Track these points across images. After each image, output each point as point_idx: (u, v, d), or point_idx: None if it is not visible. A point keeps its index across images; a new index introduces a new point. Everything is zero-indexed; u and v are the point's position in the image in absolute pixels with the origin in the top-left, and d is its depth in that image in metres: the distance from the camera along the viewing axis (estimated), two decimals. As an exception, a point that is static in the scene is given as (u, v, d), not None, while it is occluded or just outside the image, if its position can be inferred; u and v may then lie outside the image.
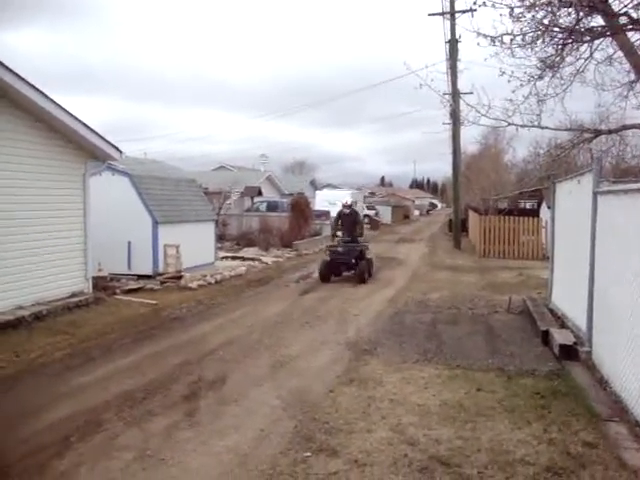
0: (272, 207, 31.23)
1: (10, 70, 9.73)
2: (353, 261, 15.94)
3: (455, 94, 22.75)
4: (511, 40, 7.76)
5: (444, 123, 29.61)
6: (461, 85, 24.75)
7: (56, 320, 10.32)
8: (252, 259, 20.08)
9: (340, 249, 16.12)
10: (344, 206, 16.80)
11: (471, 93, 8.96)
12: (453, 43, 25.60)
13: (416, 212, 75.99)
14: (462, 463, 4.90)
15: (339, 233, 17.06)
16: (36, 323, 9.95)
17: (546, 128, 8.25)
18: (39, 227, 10.96)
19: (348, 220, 16.60)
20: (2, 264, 10.12)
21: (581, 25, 7.57)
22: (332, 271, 15.96)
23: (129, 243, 14.70)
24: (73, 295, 11.72)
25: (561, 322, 9.58)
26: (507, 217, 25.06)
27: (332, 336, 9.50)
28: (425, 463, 4.91)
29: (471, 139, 65.49)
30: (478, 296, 13.47)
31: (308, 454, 5.12)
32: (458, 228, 28.78)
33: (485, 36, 7.87)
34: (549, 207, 12.70)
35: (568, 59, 8.01)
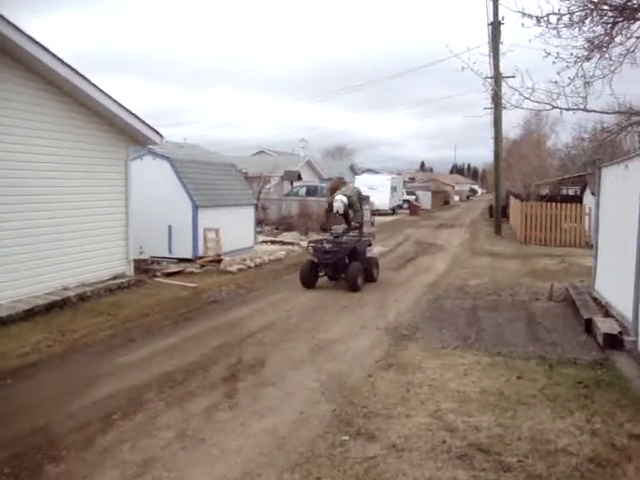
0: (311, 191, 31.23)
1: (55, 56, 9.90)
2: (346, 261, 12.59)
3: (497, 77, 22.30)
4: (558, 19, 7.51)
5: (485, 108, 29.03)
6: (503, 68, 24.22)
7: (99, 301, 10.53)
8: (291, 243, 20.13)
9: (326, 246, 12.80)
10: (340, 205, 12.98)
11: (513, 77, 8.70)
12: (496, 25, 25.12)
13: (456, 198, 75.29)
14: (502, 451, 4.85)
15: (335, 226, 14.37)
16: (80, 304, 10.17)
17: (592, 111, 7.99)
18: (83, 210, 11.18)
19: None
20: (49, 246, 10.37)
21: (633, 2, 7.29)
22: (317, 275, 12.69)
23: (169, 227, 14.87)
24: (115, 277, 11.93)
25: (605, 311, 9.39)
26: (549, 203, 24.63)
27: (371, 320, 9.48)
28: (464, 450, 4.87)
29: (512, 124, 64.22)
30: (519, 283, 13.28)
31: (346, 438, 5.13)
32: (499, 214, 28.39)
33: (530, 16, 7.63)
34: (593, 193, 12.44)
35: (618, 39, 7.72)
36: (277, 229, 24.36)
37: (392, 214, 41.01)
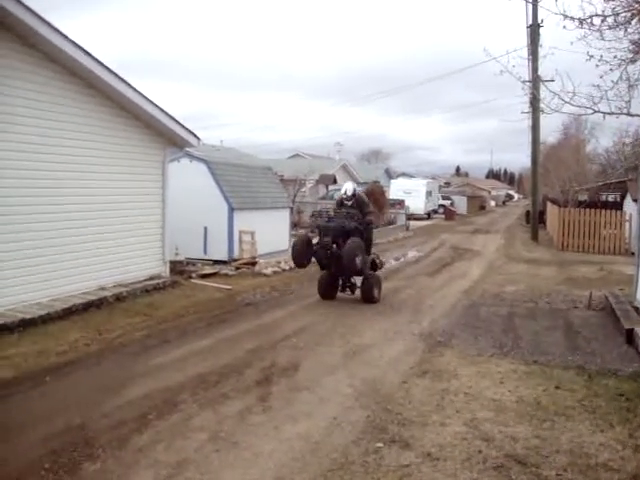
0: (346, 195, 31.12)
1: (97, 60, 10.07)
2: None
3: (536, 81, 21.96)
4: (602, 21, 7.37)
5: (523, 112, 28.77)
6: (543, 72, 23.91)
7: (135, 301, 10.64)
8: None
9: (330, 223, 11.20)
10: (346, 197, 11.55)
11: (552, 80, 8.57)
12: (535, 28, 24.76)
13: (492, 203, 74.47)
14: (540, 463, 4.74)
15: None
16: (117, 304, 10.29)
17: (636, 115, 7.81)
18: (121, 212, 11.32)
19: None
20: (87, 247, 10.53)
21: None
22: (336, 284, 11.67)
23: (205, 229, 14.98)
24: (151, 278, 12.05)
25: (647, 321, 9.16)
26: (588, 209, 24.20)
27: (406, 326, 9.40)
28: (500, 461, 4.77)
29: (550, 129, 63.40)
30: (556, 290, 13.06)
31: (380, 445, 5.08)
32: (536, 220, 27.99)
33: (572, 18, 7.49)
34: (635, 200, 12.15)
35: (665, 41, 7.56)
36: (312, 232, 24.32)
37: (427, 219, 40.80)
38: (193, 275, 13.36)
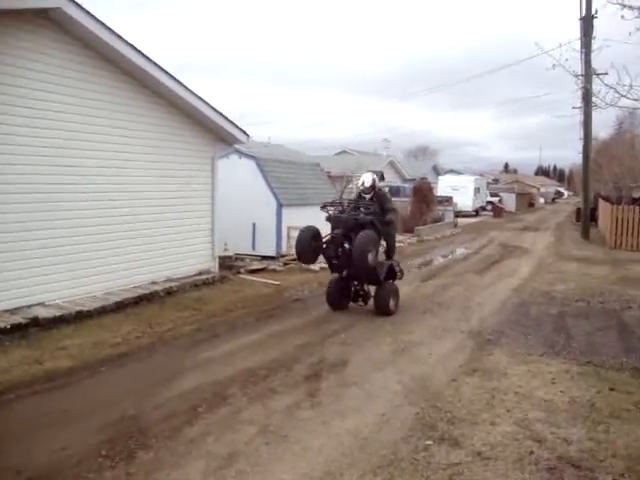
0: (394, 192, 31.00)
1: (149, 59, 10.27)
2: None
3: (589, 74, 21.49)
4: (664, 10, 7.17)
5: (574, 107, 28.12)
6: (595, 65, 23.39)
7: (185, 296, 10.82)
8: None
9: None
10: (364, 188, 10.19)
11: (606, 74, 8.36)
12: (588, 19, 24.17)
13: (541, 200, 73.07)
14: (594, 467, 4.64)
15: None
16: (167, 298, 10.50)
17: (700, 109, 7.57)
18: (171, 207, 11.53)
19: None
20: (138, 242, 10.76)
21: None
22: (349, 291, 10.29)
23: (254, 224, 15.12)
24: (200, 273, 12.23)
25: None
26: (642, 207, 23.49)
27: (454, 324, 9.32)
28: (553, 463, 4.69)
29: (602, 124, 61.82)
30: (609, 290, 12.73)
31: (430, 442, 5.06)
32: (587, 217, 27.29)
33: (631, 8, 7.30)
34: (695, 197, 11.78)
35: None
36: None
37: (475, 216, 40.29)
38: (241, 270, 13.51)
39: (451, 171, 57.46)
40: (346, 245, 9.47)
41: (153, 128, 11.07)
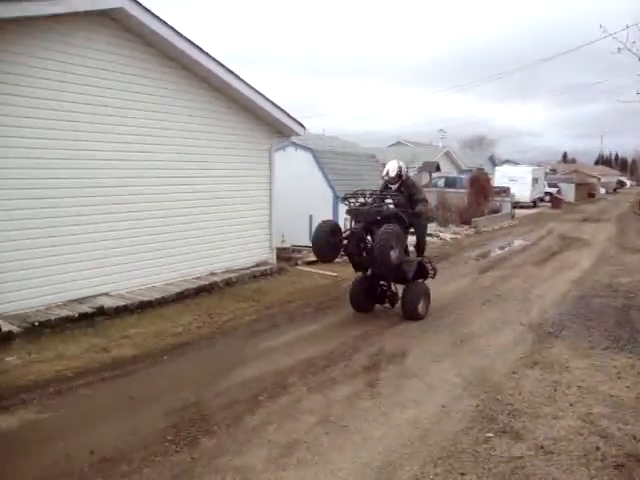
0: (450, 183, 30.69)
1: (209, 55, 10.45)
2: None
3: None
4: None
5: (639, 92, 27.13)
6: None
7: (243, 287, 10.97)
8: (430, 235, 19.80)
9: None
10: (389, 178, 9.16)
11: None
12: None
13: (602, 190, 71.01)
14: (666, 466, 4.50)
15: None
16: (226, 289, 10.66)
17: None
18: (230, 200, 11.70)
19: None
20: (198, 233, 10.96)
21: None
22: (374, 293, 9.43)
23: (310, 216, 15.16)
24: (258, 264, 12.37)
25: None
26: None
27: (514, 316, 9.19)
28: (621, 460, 4.58)
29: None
30: (677, 283, 12.31)
31: (490, 435, 5.02)
32: (653, 208, 26.43)
33: None
34: None
35: None
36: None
37: (533, 207, 39.44)
38: (299, 262, 13.60)
39: (508, 161, 56.43)
40: (368, 240, 8.66)
41: (212, 122, 11.24)
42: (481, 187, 26.36)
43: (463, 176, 32.07)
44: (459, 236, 20.71)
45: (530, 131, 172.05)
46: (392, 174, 9.05)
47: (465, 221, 23.62)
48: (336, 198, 15.10)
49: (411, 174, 31.70)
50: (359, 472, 4.40)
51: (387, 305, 9.43)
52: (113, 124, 9.26)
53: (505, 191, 32.80)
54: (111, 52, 9.15)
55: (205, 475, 4.34)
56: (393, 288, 9.40)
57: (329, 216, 14.97)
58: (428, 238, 18.68)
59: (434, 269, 9.62)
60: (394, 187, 9.13)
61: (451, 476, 4.35)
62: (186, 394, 5.86)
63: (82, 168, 8.88)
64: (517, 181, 38.63)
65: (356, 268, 9.33)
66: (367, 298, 9.32)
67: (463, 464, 4.52)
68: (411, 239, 9.50)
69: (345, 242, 8.89)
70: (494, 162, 54.12)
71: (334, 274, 12.47)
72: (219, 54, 10.60)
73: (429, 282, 9.47)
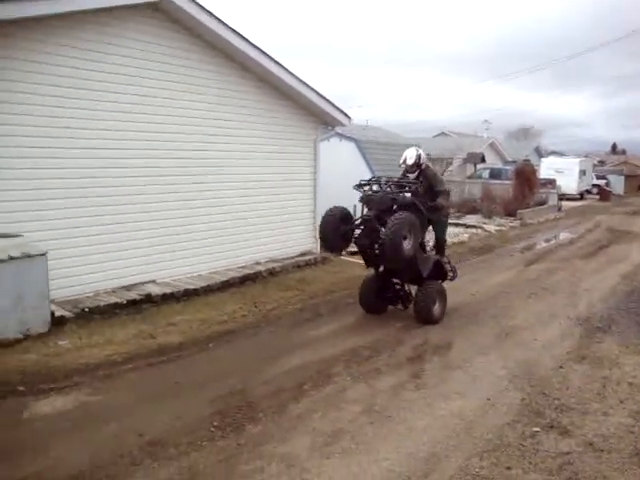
0: (495, 174, 30.27)
1: (255, 46, 10.49)
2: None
3: None
4: None
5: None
6: None
7: (287, 276, 11.03)
8: (474, 226, 19.71)
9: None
10: (406, 166, 8.41)
11: None
12: None
13: (654, 182, 69.00)
14: None
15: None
16: (270, 278, 10.73)
17: None
18: (275, 189, 11.76)
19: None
20: (243, 223, 11.06)
21: None
22: (384, 291, 8.60)
23: (354, 206, 15.13)
24: (302, 254, 12.42)
25: None
26: None
27: (561, 310, 9.04)
28: (675, 460, 4.47)
29: None
30: None
31: (537, 429, 4.96)
32: None
33: None
34: None
35: None
36: (459, 212, 23.96)
37: (580, 199, 38.60)
38: (342, 252, 13.57)
39: (554, 153, 55.24)
40: (382, 231, 7.53)
41: (258, 112, 11.30)
42: (527, 178, 25.90)
43: (508, 167, 31.59)
44: (504, 228, 20.42)
45: (578, 121, 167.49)
46: (409, 162, 8.29)
47: (510, 213, 23.27)
48: (380, 189, 15.08)
49: (455, 165, 31.52)
50: (404, 462, 4.40)
51: (400, 307, 8.67)
52: (159, 114, 9.42)
53: (551, 183, 32.19)
54: (159, 44, 9.27)
55: (250, 461, 4.39)
56: (407, 288, 8.65)
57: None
58: (472, 230, 18.62)
59: (454, 270, 8.85)
60: (412, 177, 8.39)
61: (497, 469, 4.32)
62: (232, 381, 5.94)
63: (135, 158, 9.11)
64: (564, 173, 37.84)
65: (367, 263, 8.50)
66: (378, 298, 8.55)
67: (509, 458, 4.48)
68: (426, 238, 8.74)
69: (358, 232, 8.16)
70: (540, 153, 53.03)
71: (377, 265, 12.44)
72: (263, 45, 10.67)
73: (457, 283, 9.27)
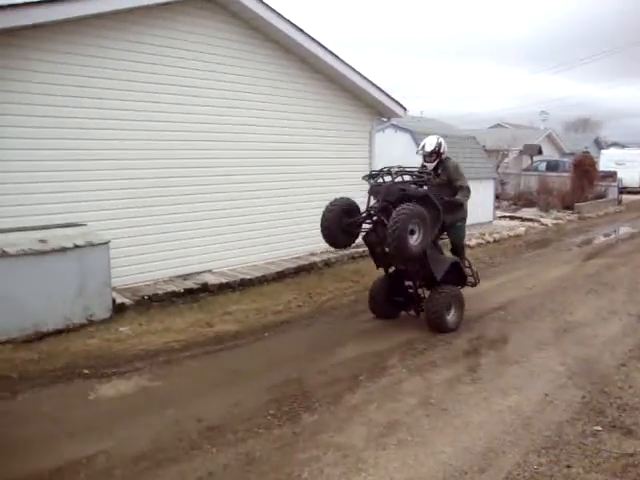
0: (552, 166, 29.62)
1: (311, 37, 10.53)
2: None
3: None
4: None
5: None
6: None
7: (342, 268, 11.06)
8: (530, 220, 19.35)
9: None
10: (424, 153, 7.90)
11: None
12: None
13: None
14: None
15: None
16: (325, 269, 10.80)
17: None
18: (330, 180, 11.76)
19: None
20: (299, 214, 11.14)
21: None
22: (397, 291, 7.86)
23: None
24: (357, 246, 12.35)
25: None
26: None
27: (621, 306, 8.78)
28: None
29: None
30: None
31: (599, 428, 4.83)
32: None
33: None
34: None
35: None
36: (515, 204, 23.58)
37: (643, 192, 37.44)
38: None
39: (615, 144, 53.60)
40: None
41: (312, 103, 11.35)
42: (585, 171, 25.25)
43: (566, 159, 30.89)
44: (561, 221, 19.98)
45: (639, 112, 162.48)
46: (428, 149, 7.70)
47: (567, 206, 22.76)
48: (435, 181, 14.93)
49: (511, 157, 30.95)
50: (460, 456, 4.37)
51: (412, 312, 7.86)
52: (225, 107, 9.66)
53: (611, 175, 31.28)
54: (215, 36, 9.42)
55: (307, 450, 4.43)
56: (421, 292, 7.77)
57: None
58: (528, 223, 18.29)
59: (475, 276, 8.05)
60: (430, 167, 7.70)
61: (556, 467, 4.24)
62: (287, 370, 6.00)
63: (196, 149, 9.35)
64: (625, 165, 36.70)
65: (377, 263, 7.75)
66: (388, 302, 7.82)
67: (569, 456, 4.38)
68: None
69: (367, 228, 7.41)
70: (599, 145, 51.60)
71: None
72: (318, 36, 10.71)
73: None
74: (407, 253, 6.48)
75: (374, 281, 8.06)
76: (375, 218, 7.13)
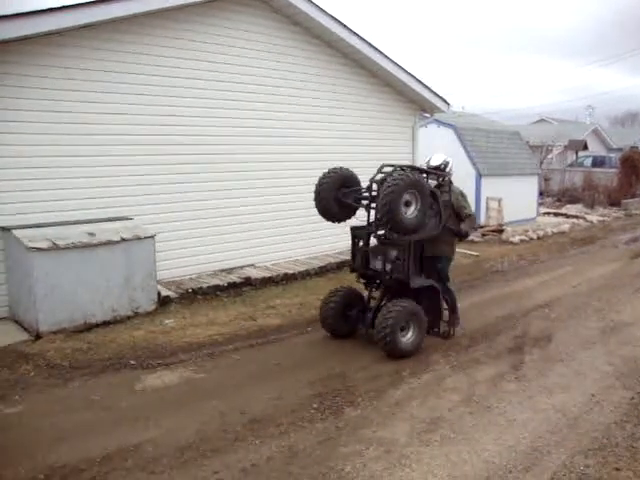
0: (598, 162, 29.02)
1: (353, 32, 10.52)
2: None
3: None
4: None
5: None
6: None
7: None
8: (575, 216, 19.00)
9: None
10: (428, 167, 7.04)
11: None
12: None
13: None
14: None
15: None
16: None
17: None
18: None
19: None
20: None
21: None
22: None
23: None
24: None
25: None
26: None
27: (670, 306, 8.60)
28: None
29: None
30: None
31: (648, 431, 4.75)
32: None
33: None
34: None
35: None
36: (559, 201, 23.18)
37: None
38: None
39: (665, 139, 52.25)
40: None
41: (355, 99, 11.33)
42: (633, 167, 24.66)
43: (612, 155, 30.21)
44: (607, 218, 19.56)
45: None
46: (433, 163, 7.01)
47: (613, 203, 22.29)
48: (479, 176, 14.81)
49: (555, 152, 30.32)
50: (504, 455, 4.33)
51: (360, 326, 6.90)
52: (269, 102, 9.76)
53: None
54: (260, 32, 9.49)
55: (349, 444, 4.45)
56: (384, 302, 6.73)
57: (471, 194, 14.72)
58: (573, 220, 17.94)
59: (453, 324, 7.04)
60: (432, 183, 6.89)
61: (604, 470, 4.16)
62: (330, 365, 6.04)
63: (239, 144, 9.48)
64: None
65: (352, 264, 7.18)
66: (344, 316, 6.92)
67: (618, 458, 4.30)
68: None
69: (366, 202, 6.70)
70: (648, 140, 50.39)
71: (475, 254, 12.27)
72: (360, 30, 10.69)
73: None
74: (400, 225, 5.93)
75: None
76: (375, 191, 6.43)
